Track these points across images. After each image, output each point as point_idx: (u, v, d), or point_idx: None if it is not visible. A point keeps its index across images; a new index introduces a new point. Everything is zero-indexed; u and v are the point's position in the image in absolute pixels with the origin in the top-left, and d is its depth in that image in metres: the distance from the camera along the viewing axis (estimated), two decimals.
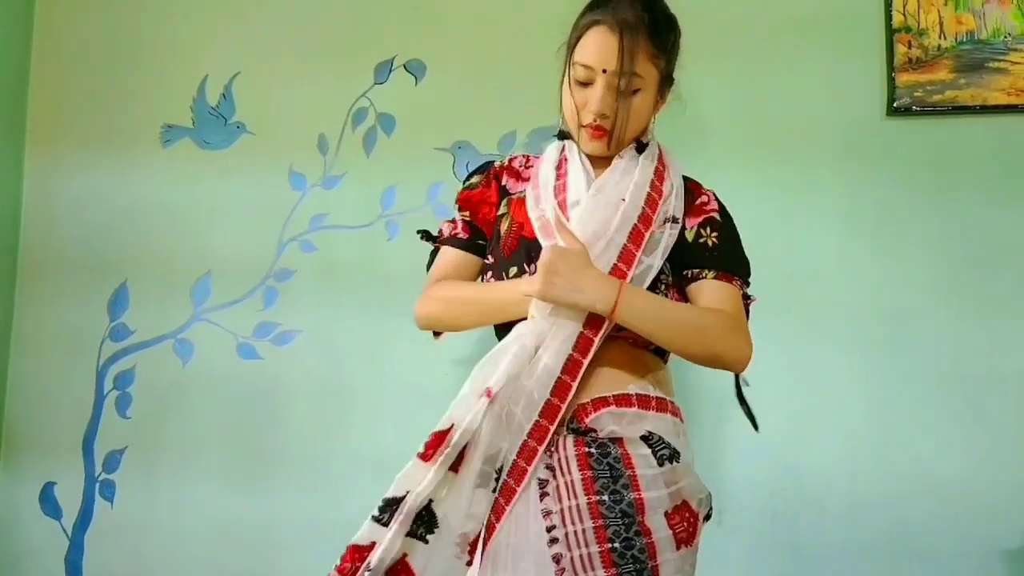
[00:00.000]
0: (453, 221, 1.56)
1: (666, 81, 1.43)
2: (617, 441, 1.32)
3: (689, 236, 1.45)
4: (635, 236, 1.37)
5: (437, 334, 1.56)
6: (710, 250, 1.45)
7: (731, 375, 1.50)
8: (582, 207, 1.40)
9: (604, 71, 1.35)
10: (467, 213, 1.54)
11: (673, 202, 1.43)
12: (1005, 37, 2.17)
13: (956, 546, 2.08)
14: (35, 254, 2.39)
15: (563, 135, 1.52)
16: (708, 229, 1.46)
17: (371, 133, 2.34)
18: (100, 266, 2.36)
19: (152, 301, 2.34)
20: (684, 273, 1.44)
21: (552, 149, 1.52)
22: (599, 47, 1.35)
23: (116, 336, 2.34)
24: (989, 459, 2.09)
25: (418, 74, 2.34)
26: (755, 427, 1.51)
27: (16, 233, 2.39)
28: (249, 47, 2.39)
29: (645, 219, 1.38)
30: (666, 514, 1.30)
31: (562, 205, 1.42)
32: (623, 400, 1.36)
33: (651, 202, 1.40)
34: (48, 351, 2.36)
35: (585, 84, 1.38)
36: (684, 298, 1.46)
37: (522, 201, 1.48)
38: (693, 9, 2.23)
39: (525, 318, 1.36)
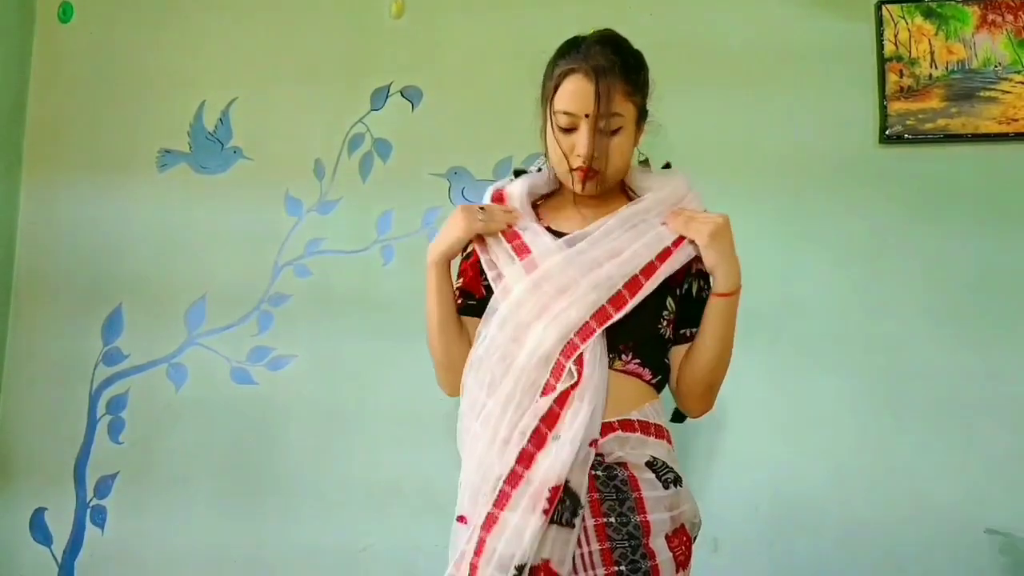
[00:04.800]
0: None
1: (642, 116, 1.47)
2: (622, 465, 1.35)
3: (693, 289, 1.48)
4: (632, 285, 1.40)
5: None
6: (702, 305, 1.48)
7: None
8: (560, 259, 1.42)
9: (586, 116, 1.39)
10: (460, 281, 1.55)
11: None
12: (995, 66, 2.19)
13: (951, 571, 2.07)
14: (30, 277, 2.39)
15: (518, 173, 1.58)
16: (702, 282, 1.49)
17: (367, 159, 2.35)
18: (95, 290, 2.36)
19: (146, 325, 2.34)
20: (683, 331, 1.47)
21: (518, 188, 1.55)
22: (578, 94, 1.39)
23: (110, 360, 2.34)
24: (983, 485, 2.09)
25: (414, 100, 2.36)
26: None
27: (11, 256, 2.39)
28: (246, 73, 2.40)
29: (634, 284, 1.40)
30: (667, 537, 1.33)
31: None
32: (627, 425, 1.38)
33: (649, 270, 1.41)
34: (41, 375, 2.35)
35: (569, 130, 1.42)
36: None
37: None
38: (687, 39, 2.28)
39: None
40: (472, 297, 1.52)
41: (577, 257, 1.39)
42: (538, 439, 1.30)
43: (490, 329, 1.41)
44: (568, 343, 1.35)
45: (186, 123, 2.40)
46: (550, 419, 1.31)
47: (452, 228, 1.45)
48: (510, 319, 1.39)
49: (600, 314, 1.36)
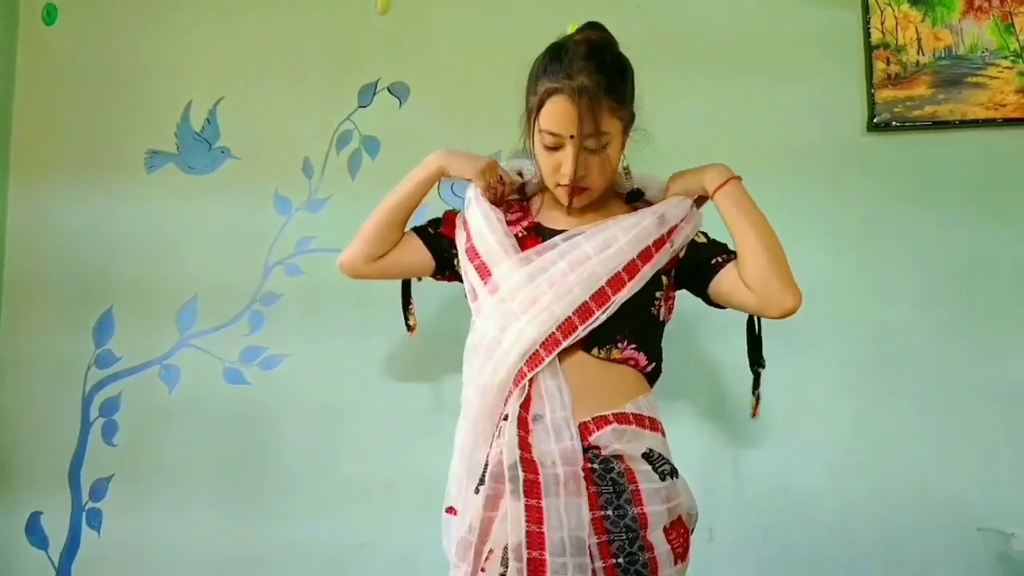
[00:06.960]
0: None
1: (629, 124, 1.47)
2: (619, 458, 1.36)
3: (690, 248, 1.51)
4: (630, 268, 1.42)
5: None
6: (718, 243, 1.53)
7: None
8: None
9: (572, 136, 1.38)
10: (440, 223, 1.67)
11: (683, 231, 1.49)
12: (983, 52, 2.19)
13: (947, 558, 2.08)
14: (19, 280, 2.38)
15: None
16: (699, 236, 1.54)
17: (356, 156, 2.34)
18: (85, 292, 2.35)
19: (138, 327, 2.33)
20: (712, 261, 1.47)
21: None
22: (561, 116, 1.37)
23: (102, 363, 2.33)
24: (978, 471, 2.10)
25: (402, 97, 2.35)
26: (754, 365, 1.60)
27: (0, 259, 2.38)
28: (233, 72, 2.39)
29: (632, 267, 1.43)
30: (664, 529, 1.34)
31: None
32: (622, 418, 1.39)
33: (646, 255, 1.44)
34: (33, 379, 2.34)
35: (554, 148, 1.41)
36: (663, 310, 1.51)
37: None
38: (673, 29, 2.28)
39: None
40: (435, 235, 1.63)
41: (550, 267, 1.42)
42: (523, 425, 1.34)
43: (480, 319, 1.46)
44: (549, 337, 1.37)
45: (173, 123, 2.39)
46: (526, 403, 1.37)
47: (471, 164, 1.58)
48: (498, 308, 1.42)
49: (583, 310, 1.37)
